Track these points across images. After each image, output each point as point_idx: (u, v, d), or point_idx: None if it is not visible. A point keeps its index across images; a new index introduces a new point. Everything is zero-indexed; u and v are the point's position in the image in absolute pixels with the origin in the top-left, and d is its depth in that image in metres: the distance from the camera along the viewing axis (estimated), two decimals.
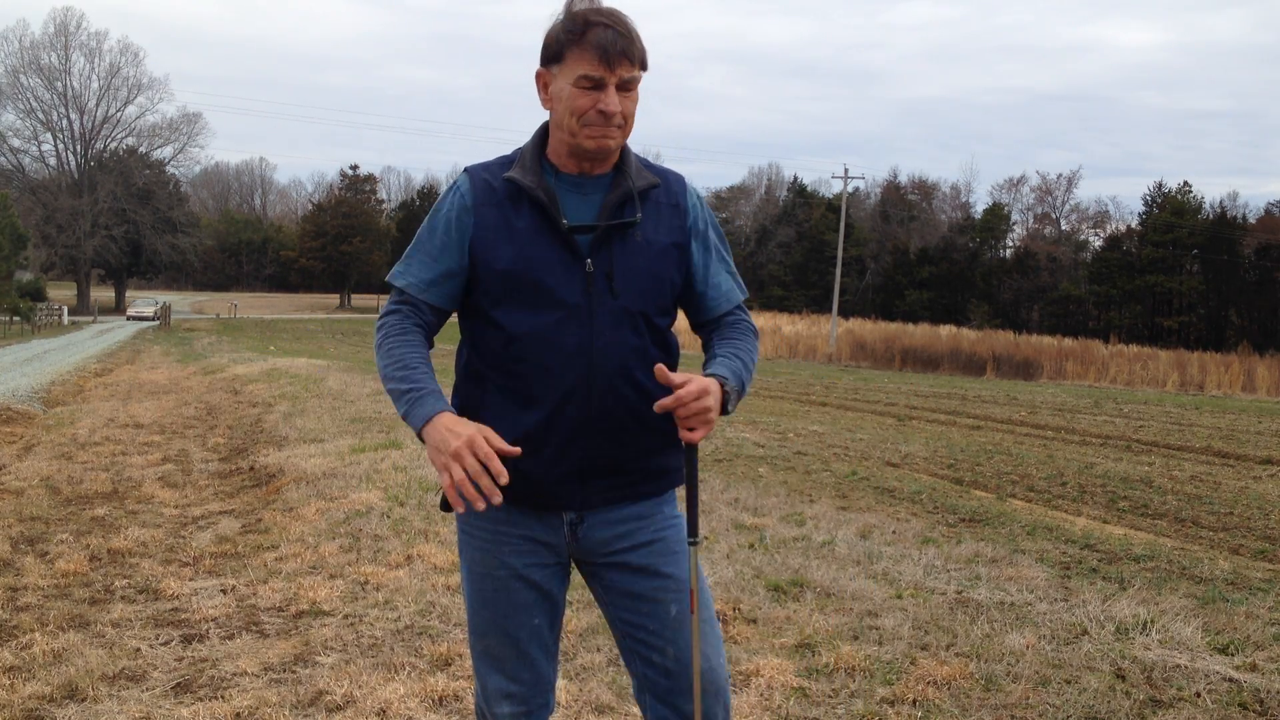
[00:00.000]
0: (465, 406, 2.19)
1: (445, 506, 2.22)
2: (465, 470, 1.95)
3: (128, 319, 55.74)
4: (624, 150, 2.21)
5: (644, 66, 2.14)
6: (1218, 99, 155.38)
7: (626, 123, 2.14)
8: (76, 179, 68.43)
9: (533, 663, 2.27)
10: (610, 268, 2.15)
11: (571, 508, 2.21)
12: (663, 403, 2.06)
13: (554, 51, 2.13)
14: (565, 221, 2.12)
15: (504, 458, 2.00)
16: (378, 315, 2.25)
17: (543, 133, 2.23)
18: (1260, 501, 9.94)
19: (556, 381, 2.12)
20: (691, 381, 2.06)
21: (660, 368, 2.07)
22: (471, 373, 2.20)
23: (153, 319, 53.38)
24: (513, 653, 2.25)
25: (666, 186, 2.26)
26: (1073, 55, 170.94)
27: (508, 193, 2.15)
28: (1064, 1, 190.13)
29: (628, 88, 2.12)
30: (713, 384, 2.09)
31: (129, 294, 71.02)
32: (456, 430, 1.98)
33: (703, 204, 2.31)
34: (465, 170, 2.22)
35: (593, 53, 2.07)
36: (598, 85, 2.09)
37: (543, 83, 2.17)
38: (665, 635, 2.24)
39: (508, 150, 2.28)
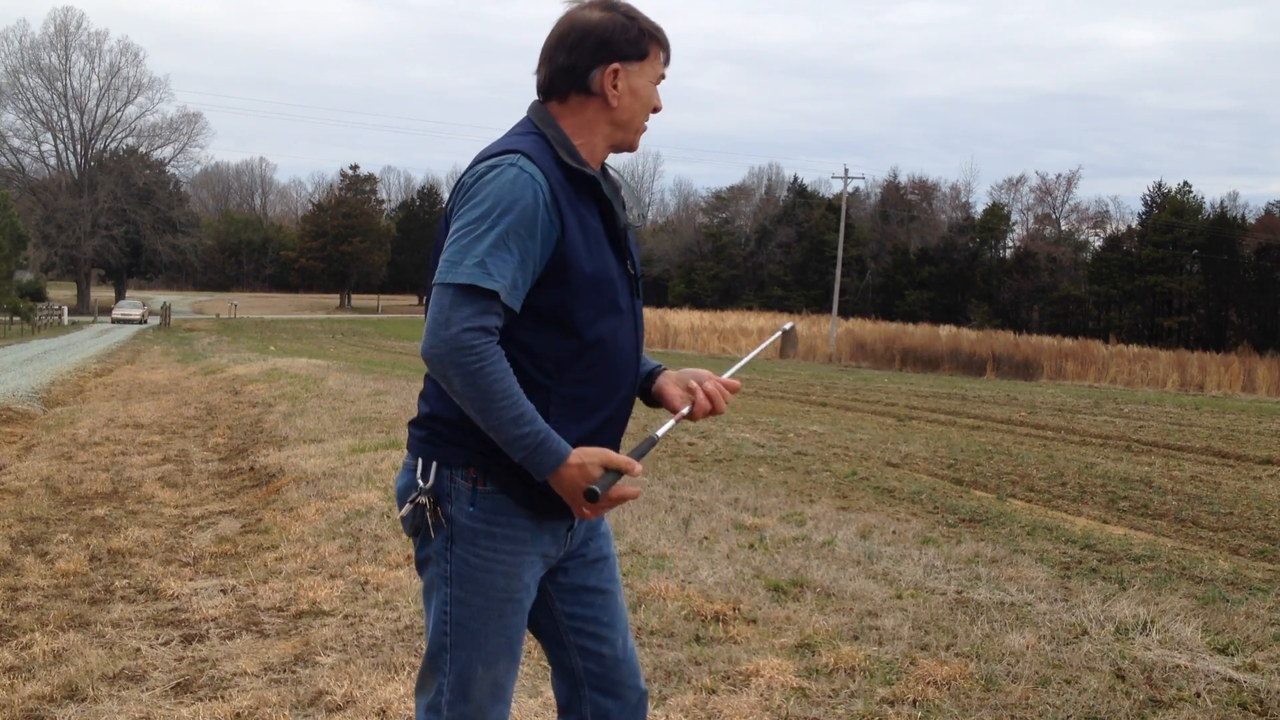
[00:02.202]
0: None
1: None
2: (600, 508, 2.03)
3: (112, 322, 51.13)
4: None
5: None
6: (1220, 99, 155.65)
7: None
8: (76, 179, 68.43)
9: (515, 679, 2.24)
10: (635, 268, 2.19)
11: None
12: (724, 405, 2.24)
13: (640, 48, 2.11)
14: (624, 221, 2.14)
15: None
16: (458, 329, 1.90)
17: (556, 121, 2.12)
18: (1260, 501, 9.94)
19: (618, 386, 2.11)
20: (705, 380, 2.25)
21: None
22: (531, 384, 2.01)
23: (140, 321, 50.19)
24: (512, 676, 2.18)
25: None
26: (1075, 55, 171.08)
27: (576, 188, 2.05)
28: (1066, 1, 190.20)
29: None
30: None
31: (129, 294, 70.93)
32: (588, 473, 1.98)
33: None
34: (527, 156, 2.01)
35: (665, 52, 2.18)
36: (658, 83, 2.20)
37: (614, 77, 2.09)
38: (614, 624, 2.26)
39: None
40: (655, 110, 2.18)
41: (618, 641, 2.25)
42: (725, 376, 2.29)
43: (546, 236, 1.98)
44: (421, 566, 2.17)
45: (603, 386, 2.08)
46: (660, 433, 2.21)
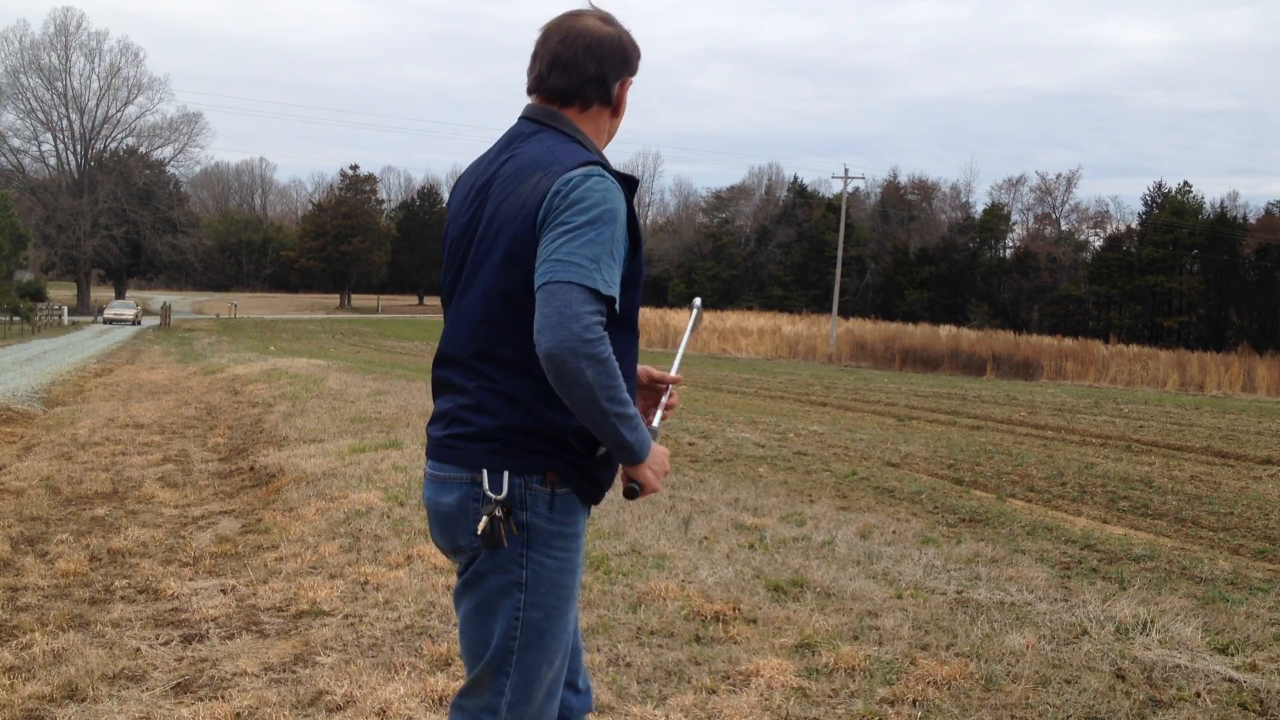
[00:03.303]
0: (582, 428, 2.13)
1: (631, 495, 2.17)
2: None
3: (105, 322, 49.55)
4: None
5: None
6: (1222, 98, 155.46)
7: None
8: (76, 179, 68.41)
9: None
10: None
11: None
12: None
13: (636, 65, 2.24)
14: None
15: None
16: (586, 322, 1.95)
17: (579, 129, 2.22)
18: (1260, 501, 9.94)
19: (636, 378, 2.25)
20: (651, 370, 2.40)
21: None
22: None
23: (133, 322, 49.15)
24: (564, 671, 2.22)
25: None
26: (1076, 54, 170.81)
27: (627, 193, 2.15)
28: (1068, 1, 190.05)
29: None
30: None
31: (129, 294, 70.90)
32: (665, 457, 2.16)
33: None
34: (606, 169, 2.10)
35: None
36: None
37: (627, 90, 2.26)
38: (576, 616, 2.31)
39: None
40: None
41: (576, 632, 2.31)
42: (673, 372, 2.41)
43: (629, 243, 2.08)
44: (479, 579, 2.15)
45: (635, 379, 2.21)
46: (656, 423, 2.31)
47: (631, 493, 2.11)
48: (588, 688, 2.38)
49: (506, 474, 2.08)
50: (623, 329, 2.12)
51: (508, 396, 2.08)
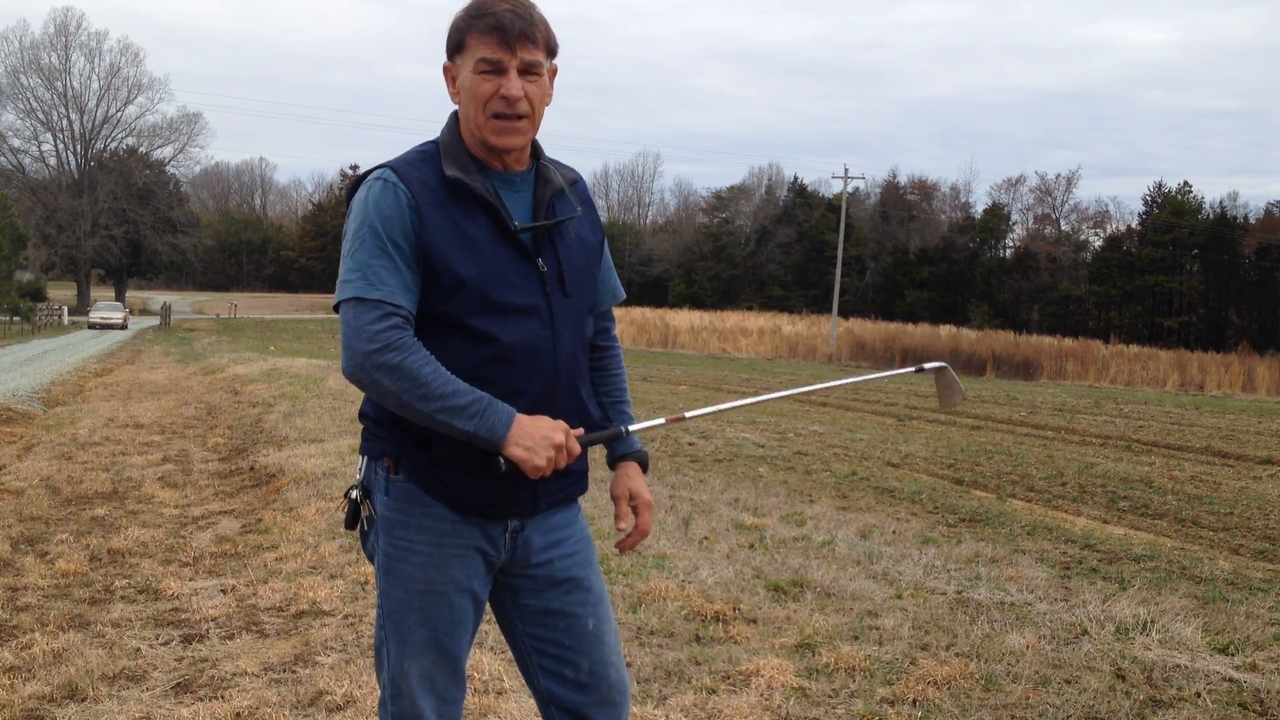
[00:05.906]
0: (425, 427, 2.05)
1: (499, 470, 2.09)
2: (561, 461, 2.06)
3: (89, 327, 47.04)
4: (534, 143, 2.19)
5: (551, 52, 2.12)
6: (1225, 98, 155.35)
7: (534, 112, 2.10)
8: (76, 179, 68.47)
9: (462, 679, 2.21)
10: (559, 267, 2.16)
11: (521, 514, 2.16)
12: (631, 542, 2.29)
13: (456, 41, 2.10)
14: (516, 223, 2.10)
15: (473, 468, 2.08)
16: (367, 334, 1.98)
17: (456, 125, 2.16)
18: (1260, 501, 9.94)
19: (527, 387, 2.09)
20: (644, 511, 2.29)
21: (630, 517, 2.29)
22: None
23: (121, 326, 46.90)
24: (448, 670, 2.17)
25: (580, 182, 2.29)
26: (1079, 54, 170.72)
27: (450, 193, 2.06)
28: (1070, 0, 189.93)
29: (532, 72, 2.08)
30: (647, 493, 2.31)
31: (129, 294, 70.91)
32: (554, 425, 2.05)
33: None
34: (390, 167, 2.07)
35: (491, 35, 2.04)
36: (498, 69, 2.05)
37: (450, 76, 2.14)
38: (580, 650, 2.21)
39: None
40: (506, 98, 2.06)
41: (583, 666, 2.21)
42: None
43: (414, 240, 2.03)
44: (371, 561, 2.25)
45: (510, 388, 2.06)
46: (632, 428, 2.26)
47: (498, 468, 2.04)
48: None
49: (365, 458, 2.17)
50: (456, 332, 2.05)
51: None
